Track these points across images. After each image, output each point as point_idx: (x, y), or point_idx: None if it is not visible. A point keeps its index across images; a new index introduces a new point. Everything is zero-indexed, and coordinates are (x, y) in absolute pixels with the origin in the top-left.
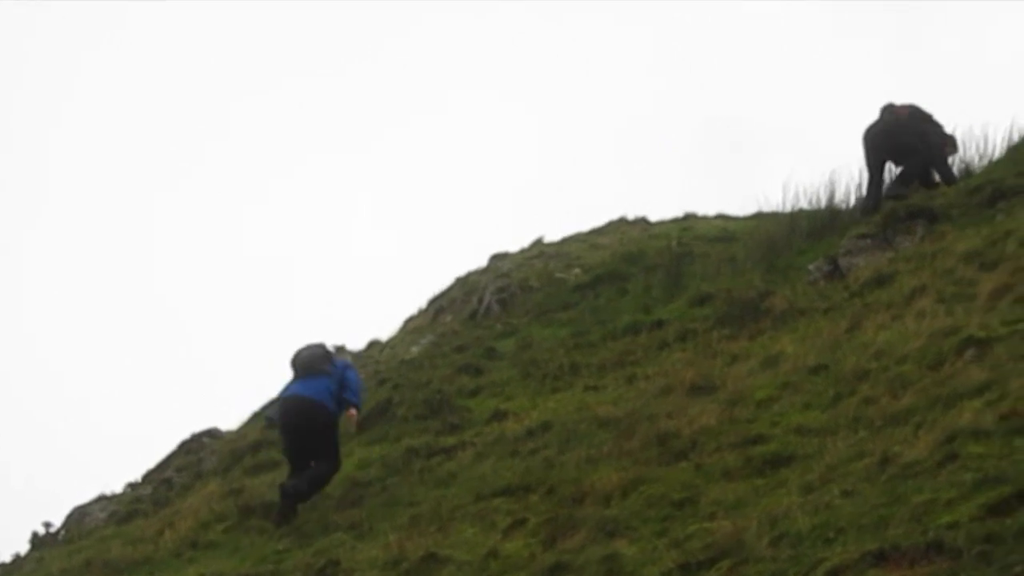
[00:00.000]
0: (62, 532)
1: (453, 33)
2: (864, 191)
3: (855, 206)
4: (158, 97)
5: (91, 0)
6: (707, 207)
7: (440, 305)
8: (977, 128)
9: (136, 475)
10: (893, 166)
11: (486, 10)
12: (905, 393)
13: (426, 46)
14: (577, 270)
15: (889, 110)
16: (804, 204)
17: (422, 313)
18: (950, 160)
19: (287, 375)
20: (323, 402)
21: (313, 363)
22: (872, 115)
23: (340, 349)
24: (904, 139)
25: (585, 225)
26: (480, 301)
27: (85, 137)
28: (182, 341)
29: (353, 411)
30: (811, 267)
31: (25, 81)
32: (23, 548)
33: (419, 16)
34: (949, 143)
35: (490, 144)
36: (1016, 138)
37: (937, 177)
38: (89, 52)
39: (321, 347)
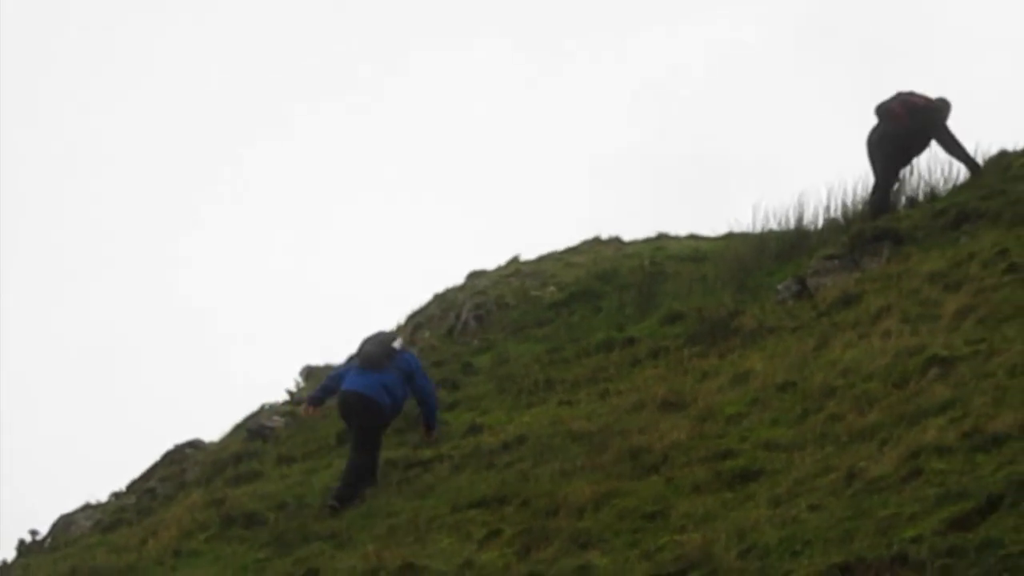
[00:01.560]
0: (48, 540)
1: (442, 53)
2: (871, 192)
3: (823, 226)
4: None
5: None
6: (679, 228)
7: (418, 321)
8: (942, 154)
9: (121, 485)
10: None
11: (471, 38)
12: (871, 410)
13: (413, 65)
14: (552, 288)
15: (885, 111)
16: (773, 225)
17: (401, 329)
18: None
19: (266, 391)
20: (375, 399)
21: (372, 359)
22: (836, 140)
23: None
24: (908, 140)
25: (560, 244)
26: (458, 317)
27: (80, 150)
28: (163, 356)
29: (433, 433)
30: (780, 287)
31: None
32: (10, 555)
33: (411, 32)
34: (944, 109)
35: (467, 164)
36: (980, 161)
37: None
38: (109, 49)
39: (386, 343)
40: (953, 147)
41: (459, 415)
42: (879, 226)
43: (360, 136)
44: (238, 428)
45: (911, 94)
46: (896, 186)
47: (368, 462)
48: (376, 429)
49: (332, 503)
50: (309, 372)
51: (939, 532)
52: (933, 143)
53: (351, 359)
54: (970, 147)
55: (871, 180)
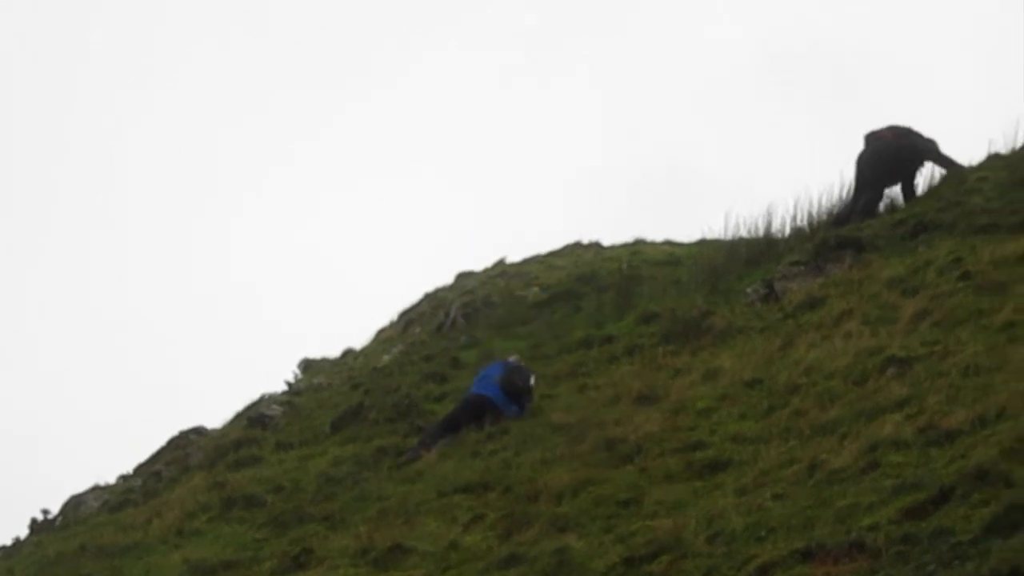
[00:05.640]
0: (59, 519)
1: (439, 66)
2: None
3: (790, 234)
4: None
5: None
6: (655, 234)
7: (410, 318)
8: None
9: (128, 468)
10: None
11: (464, 52)
12: (832, 406)
13: (408, 77)
14: (535, 288)
15: (874, 137)
16: (744, 233)
17: (393, 325)
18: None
19: (268, 380)
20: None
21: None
22: (804, 160)
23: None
24: (896, 157)
25: (543, 248)
26: (446, 315)
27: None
28: (172, 349)
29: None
30: (749, 290)
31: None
32: (23, 533)
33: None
34: (932, 143)
35: (456, 175)
36: (937, 177)
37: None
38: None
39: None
40: (938, 158)
41: (447, 406)
42: (842, 235)
43: (360, 148)
44: (239, 416)
45: (899, 126)
46: (878, 203)
47: None
48: None
49: None
50: (307, 364)
51: (895, 521)
52: (916, 165)
53: None
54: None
55: (839, 193)
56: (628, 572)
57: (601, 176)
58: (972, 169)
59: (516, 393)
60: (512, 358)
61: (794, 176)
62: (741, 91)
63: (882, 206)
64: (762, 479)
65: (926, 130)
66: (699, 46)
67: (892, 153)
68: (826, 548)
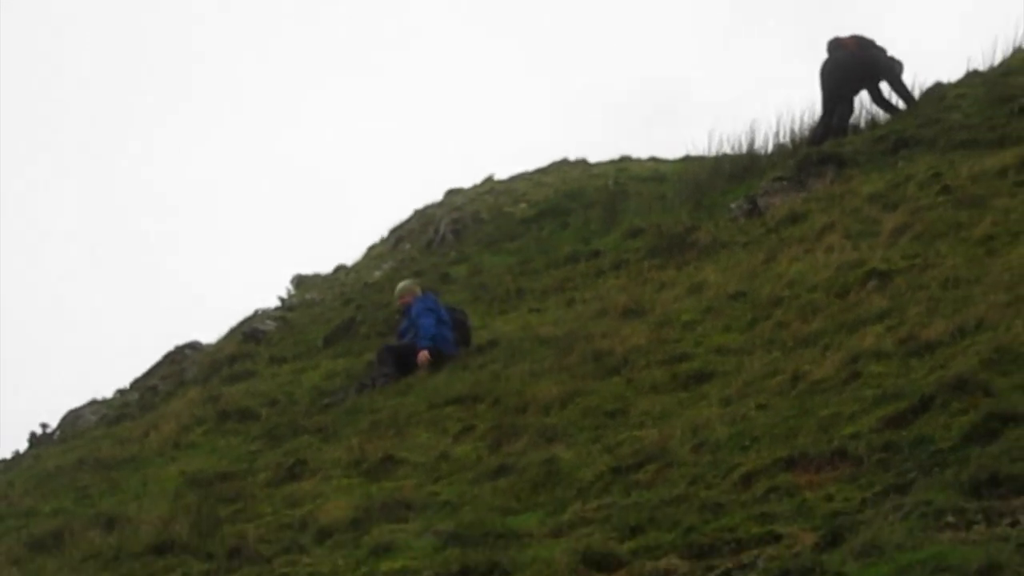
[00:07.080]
0: (57, 432)
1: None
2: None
3: (773, 151)
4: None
5: None
6: (641, 151)
7: (400, 234)
8: (884, 86)
9: (125, 382)
10: (861, 94)
11: None
12: (814, 318)
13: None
14: (523, 205)
15: (837, 44)
16: (727, 149)
17: (384, 241)
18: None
19: (262, 295)
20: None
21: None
22: (787, 83)
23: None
24: (858, 70)
25: (531, 165)
26: (436, 231)
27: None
28: (167, 265)
29: (423, 353)
30: (733, 205)
31: None
32: (22, 446)
33: None
34: (897, 65)
35: (448, 93)
36: (917, 94)
37: (896, 99)
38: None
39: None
40: (896, 82)
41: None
42: (824, 150)
43: (352, 66)
44: (233, 331)
45: (863, 37)
46: (850, 115)
47: None
48: None
49: None
50: (299, 280)
51: (876, 429)
52: (876, 81)
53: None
54: (908, 79)
55: (819, 109)
56: (615, 481)
57: (588, 100)
58: (951, 86)
59: (466, 341)
60: (416, 293)
61: (780, 98)
62: (726, 17)
63: (862, 122)
64: (746, 390)
65: (906, 48)
66: None
67: (853, 64)
68: (809, 456)
